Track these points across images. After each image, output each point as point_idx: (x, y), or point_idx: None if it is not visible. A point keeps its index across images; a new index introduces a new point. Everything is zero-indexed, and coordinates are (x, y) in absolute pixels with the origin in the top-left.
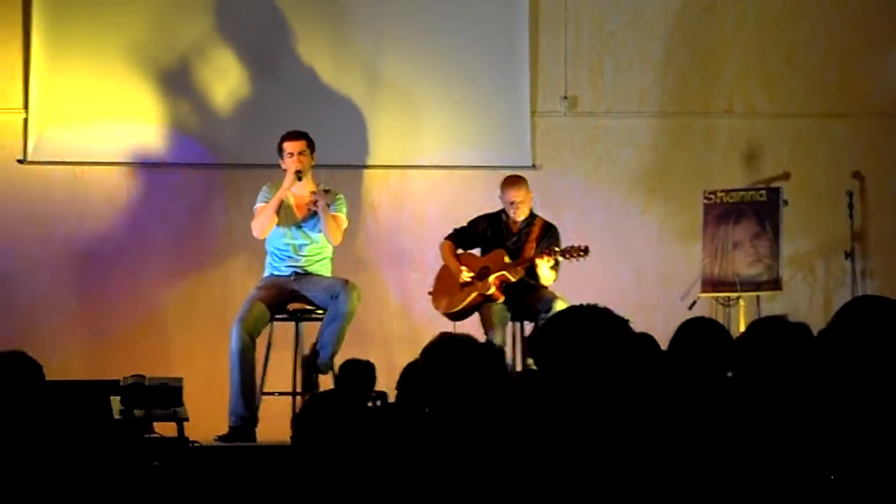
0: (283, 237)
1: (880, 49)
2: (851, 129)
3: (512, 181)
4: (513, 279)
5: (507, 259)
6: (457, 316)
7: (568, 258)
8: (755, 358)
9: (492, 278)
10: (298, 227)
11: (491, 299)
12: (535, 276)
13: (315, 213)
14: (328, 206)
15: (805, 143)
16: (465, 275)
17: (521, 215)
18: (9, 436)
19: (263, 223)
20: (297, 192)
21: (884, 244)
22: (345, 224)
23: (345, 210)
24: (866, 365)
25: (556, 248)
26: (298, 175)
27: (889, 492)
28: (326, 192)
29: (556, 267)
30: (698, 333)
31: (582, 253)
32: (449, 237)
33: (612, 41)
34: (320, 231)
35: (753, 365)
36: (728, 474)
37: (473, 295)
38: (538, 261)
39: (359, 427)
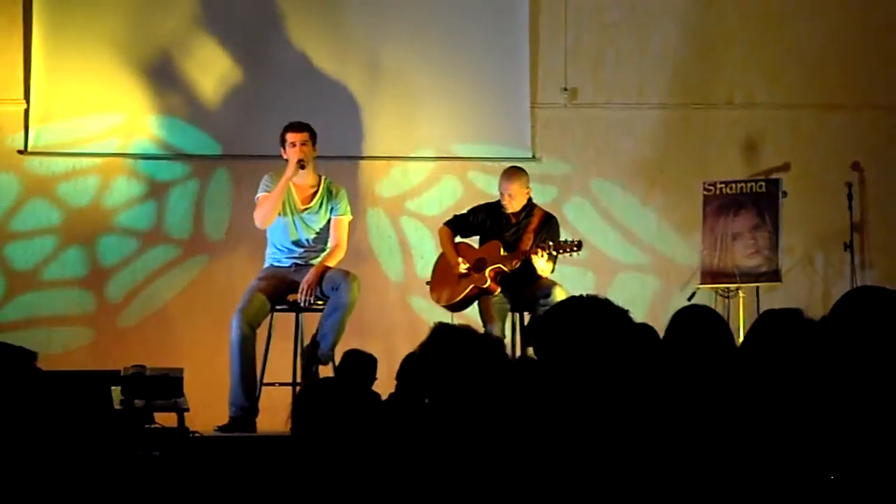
0: (285, 227)
1: (879, 41)
2: (851, 120)
3: (509, 173)
4: (508, 271)
5: (503, 251)
6: (455, 307)
7: (561, 253)
8: (767, 349)
9: (487, 271)
10: (300, 217)
11: (487, 291)
12: (532, 269)
13: (319, 205)
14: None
15: (804, 134)
16: (462, 266)
17: (510, 208)
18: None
19: (266, 212)
20: (299, 182)
21: (883, 235)
22: (349, 218)
23: (349, 208)
24: (865, 355)
25: (550, 243)
26: (301, 164)
27: (889, 485)
28: (330, 189)
29: (552, 259)
30: (693, 321)
31: (575, 248)
32: (447, 223)
33: (613, 32)
34: (321, 222)
35: (764, 355)
36: (727, 463)
37: (470, 287)
38: (533, 256)
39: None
